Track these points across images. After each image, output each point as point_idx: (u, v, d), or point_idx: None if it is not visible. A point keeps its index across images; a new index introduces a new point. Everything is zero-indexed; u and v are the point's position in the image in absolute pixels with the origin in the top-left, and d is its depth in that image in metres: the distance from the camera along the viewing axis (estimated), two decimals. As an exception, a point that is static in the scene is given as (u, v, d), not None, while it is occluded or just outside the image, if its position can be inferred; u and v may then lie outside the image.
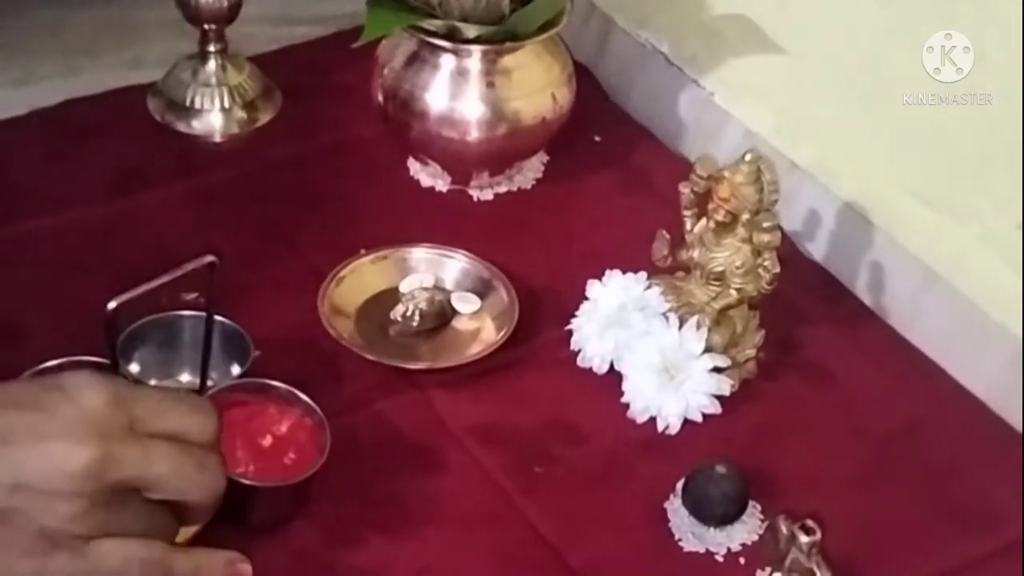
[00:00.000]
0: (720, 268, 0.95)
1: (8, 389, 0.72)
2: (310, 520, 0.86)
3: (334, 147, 1.16)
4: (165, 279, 0.78)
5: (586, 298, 0.99)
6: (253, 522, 0.84)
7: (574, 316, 0.99)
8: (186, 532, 0.76)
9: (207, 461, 0.72)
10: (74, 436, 0.68)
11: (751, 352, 0.97)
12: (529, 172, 1.15)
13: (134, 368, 0.90)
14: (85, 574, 0.69)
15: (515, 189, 1.14)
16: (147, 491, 0.71)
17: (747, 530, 0.88)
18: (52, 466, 0.67)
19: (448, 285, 1.03)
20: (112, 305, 0.75)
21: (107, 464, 0.68)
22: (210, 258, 0.80)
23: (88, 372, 0.72)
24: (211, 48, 1.17)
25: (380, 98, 1.11)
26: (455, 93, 1.08)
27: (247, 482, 0.83)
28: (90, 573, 0.69)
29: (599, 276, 0.99)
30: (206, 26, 1.16)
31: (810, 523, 0.83)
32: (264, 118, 1.19)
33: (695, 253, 0.96)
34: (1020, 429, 0.96)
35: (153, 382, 0.90)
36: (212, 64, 1.17)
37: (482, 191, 1.13)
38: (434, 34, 1.07)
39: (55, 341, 0.92)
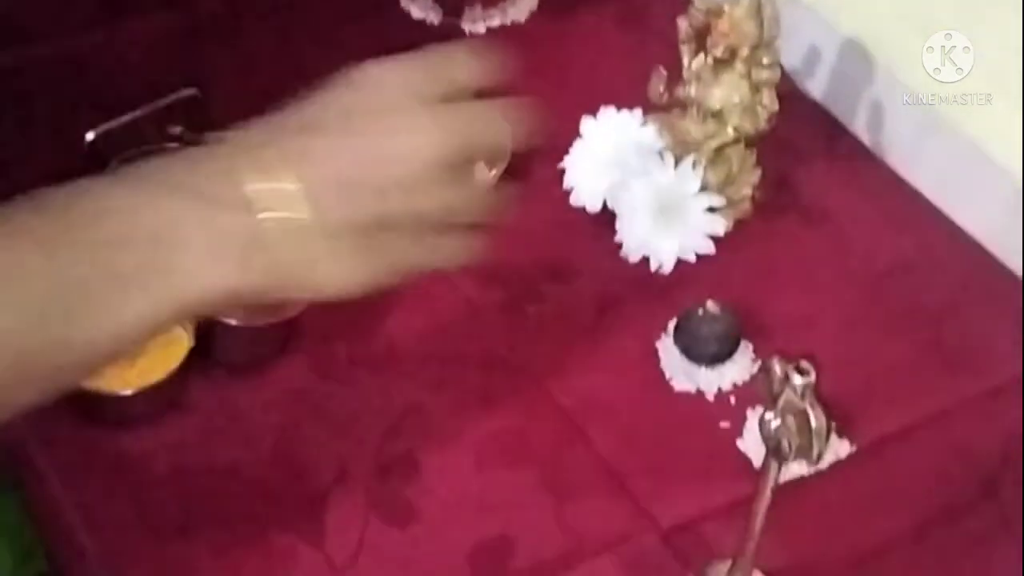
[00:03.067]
0: (717, 105, 0.93)
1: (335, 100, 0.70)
2: (299, 356, 0.86)
3: (324, -22, 1.13)
4: (145, 110, 0.77)
5: (579, 135, 0.97)
6: (239, 361, 0.84)
7: (567, 154, 0.98)
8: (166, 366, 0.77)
9: (500, 107, 0.70)
10: (422, 127, 0.66)
11: (747, 191, 0.96)
12: (524, 5, 1.13)
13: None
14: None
15: (508, 23, 1.12)
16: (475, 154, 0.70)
17: (738, 370, 0.87)
18: (414, 159, 0.65)
19: (439, 121, 1.01)
20: (91, 136, 0.74)
21: (448, 141, 0.66)
22: (192, 91, 0.79)
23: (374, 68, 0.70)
24: None
25: (370, -74, 1.09)
26: (448, -80, 1.06)
27: (232, 323, 0.82)
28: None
29: (593, 113, 0.98)
30: None
31: (804, 364, 0.82)
32: (251, -53, 1.16)
33: (692, 89, 0.94)
34: (1019, 272, 0.96)
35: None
36: None
37: (475, 24, 1.11)
38: None
39: (37, 175, 0.90)
